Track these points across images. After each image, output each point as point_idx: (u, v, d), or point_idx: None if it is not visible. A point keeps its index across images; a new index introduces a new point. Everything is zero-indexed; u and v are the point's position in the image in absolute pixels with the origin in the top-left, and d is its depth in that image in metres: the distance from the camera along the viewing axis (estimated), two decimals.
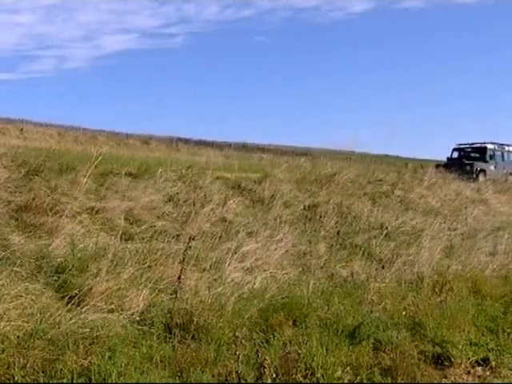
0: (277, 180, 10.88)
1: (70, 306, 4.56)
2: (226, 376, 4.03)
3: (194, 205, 8.20)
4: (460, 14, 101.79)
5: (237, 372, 3.93)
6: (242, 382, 3.91)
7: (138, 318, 4.75)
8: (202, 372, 4.01)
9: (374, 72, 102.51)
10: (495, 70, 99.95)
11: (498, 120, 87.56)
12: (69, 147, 15.01)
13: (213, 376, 4.03)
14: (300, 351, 4.40)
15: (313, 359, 4.28)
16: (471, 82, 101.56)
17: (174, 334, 4.51)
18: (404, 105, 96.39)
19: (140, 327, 4.61)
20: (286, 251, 7.19)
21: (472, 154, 23.25)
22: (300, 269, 6.94)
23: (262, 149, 38.12)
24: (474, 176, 20.66)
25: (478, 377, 4.83)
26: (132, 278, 5.23)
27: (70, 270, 5.14)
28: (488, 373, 4.89)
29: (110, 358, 3.85)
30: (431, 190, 14.61)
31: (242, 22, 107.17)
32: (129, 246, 6.15)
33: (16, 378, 3.61)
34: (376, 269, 6.86)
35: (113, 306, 4.79)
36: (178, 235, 7.15)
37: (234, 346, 4.07)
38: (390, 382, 4.36)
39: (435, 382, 4.63)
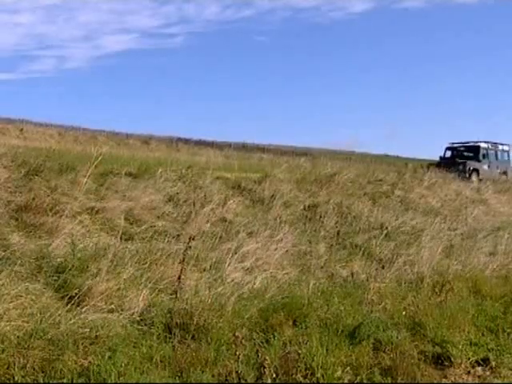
0: (277, 180, 10.88)
1: (69, 306, 4.56)
2: (226, 376, 4.03)
3: (194, 205, 8.20)
4: (460, 13, 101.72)
5: (237, 372, 3.93)
6: (242, 381, 3.91)
7: (138, 318, 4.75)
8: (202, 372, 4.01)
9: (373, 72, 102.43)
10: (495, 70, 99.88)
11: (497, 120, 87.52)
12: (69, 147, 15.01)
13: (213, 376, 4.03)
14: (300, 351, 4.40)
15: (313, 359, 4.28)
16: (471, 82, 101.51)
17: (174, 334, 4.51)
18: (404, 105, 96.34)
19: (140, 327, 4.61)
20: (286, 251, 7.19)
21: (465, 153, 22.93)
22: (300, 269, 6.94)
23: (262, 149, 38.10)
24: (467, 175, 20.41)
25: (478, 377, 4.83)
26: (132, 278, 5.23)
27: (70, 270, 5.14)
28: (488, 373, 4.89)
29: (109, 358, 3.85)
30: (431, 190, 14.62)
31: (242, 22, 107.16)
32: (129, 246, 6.16)
33: (16, 378, 3.61)
34: (376, 269, 6.87)
35: (113, 306, 4.79)
36: (178, 235, 7.15)
37: (234, 346, 4.06)
38: (390, 382, 4.36)
39: (435, 382, 4.63)
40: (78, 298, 4.69)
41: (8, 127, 30.81)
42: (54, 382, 3.66)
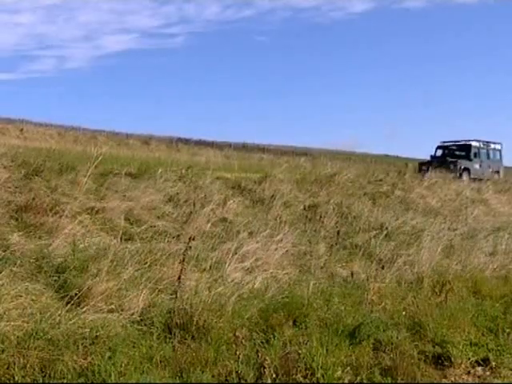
0: (277, 180, 10.88)
1: (69, 306, 4.56)
2: (226, 376, 4.03)
3: (194, 205, 8.20)
4: (460, 13, 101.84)
5: (237, 372, 3.93)
6: (242, 382, 3.91)
7: (138, 318, 4.75)
8: (202, 372, 4.01)
9: (373, 72, 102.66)
10: (495, 70, 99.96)
11: (498, 120, 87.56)
12: (69, 147, 15.00)
13: (213, 376, 4.03)
14: (300, 351, 4.40)
15: (313, 359, 4.28)
16: (471, 82, 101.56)
17: (174, 334, 4.51)
18: (404, 105, 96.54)
19: (140, 327, 4.61)
20: (286, 251, 7.19)
21: (456, 152, 22.49)
22: (300, 269, 6.95)
23: (262, 149, 38.12)
24: (458, 175, 19.99)
25: (478, 377, 4.84)
26: (132, 278, 5.23)
27: (70, 270, 5.14)
28: (488, 373, 4.89)
29: (109, 358, 3.85)
30: (431, 190, 14.62)
31: (243, 22, 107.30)
32: (129, 246, 6.15)
33: (16, 378, 3.61)
34: (376, 269, 6.86)
35: (113, 306, 4.79)
36: (178, 235, 7.15)
37: (234, 346, 4.07)
38: (390, 382, 4.36)
39: (435, 382, 4.64)
40: (78, 298, 4.69)
41: (8, 127, 30.80)
42: (54, 382, 3.66)
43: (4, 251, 5.37)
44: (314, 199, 10.60)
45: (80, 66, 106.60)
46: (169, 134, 39.52)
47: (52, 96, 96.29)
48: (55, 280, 5.05)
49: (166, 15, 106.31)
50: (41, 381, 3.65)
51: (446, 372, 4.83)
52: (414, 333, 5.34)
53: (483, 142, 23.02)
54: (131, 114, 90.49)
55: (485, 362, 5.03)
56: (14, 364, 3.68)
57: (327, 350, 4.47)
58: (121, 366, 3.80)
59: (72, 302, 4.62)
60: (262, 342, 4.62)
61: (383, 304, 5.91)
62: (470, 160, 21.93)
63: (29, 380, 3.63)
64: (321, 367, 4.22)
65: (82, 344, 4.04)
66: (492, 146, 23.47)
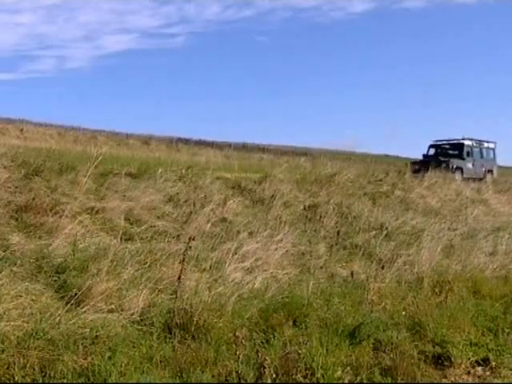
0: (277, 180, 10.88)
1: (69, 306, 4.56)
2: (226, 376, 4.03)
3: (194, 205, 8.20)
4: (460, 13, 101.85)
5: (237, 372, 3.93)
6: (242, 382, 3.91)
7: (138, 318, 4.75)
8: (202, 372, 4.01)
9: (373, 72, 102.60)
10: (495, 70, 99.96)
11: (497, 120, 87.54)
12: (69, 147, 14.99)
13: (213, 376, 4.03)
14: (300, 351, 4.40)
15: (313, 359, 4.28)
16: (471, 82, 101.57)
17: (174, 334, 4.51)
18: (404, 105, 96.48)
19: (140, 327, 4.61)
20: (286, 251, 7.19)
21: (449, 151, 21.96)
22: (300, 269, 6.94)
23: (262, 149, 38.13)
24: (450, 174, 19.25)
25: (478, 377, 4.84)
26: (132, 278, 5.23)
27: (70, 270, 5.14)
28: (488, 373, 4.89)
29: (110, 358, 3.85)
30: (431, 190, 14.62)
31: (243, 22, 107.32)
32: (129, 246, 6.15)
33: (16, 378, 3.61)
34: (376, 269, 6.85)
35: (113, 306, 4.79)
36: (178, 235, 7.15)
37: (234, 346, 4.07)
38: (390, 382, 4.36)
39: (435, 382, 4.64)
40: (78, 298, 4.69)
41: (8, 127, 30.80)
42: (54, 382, 3.66)
43: (4, 251, 5.37)
44: (313, 199, 10.60)
45: (80, 66, 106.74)
46: (169, 133, 39.57)
47: (52, 96, 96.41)
48: (55, 280, 5.05)
49: (166, 15, 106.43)
50: (41, 381, 3.65)
51: (446, 372, 4.83)
52: (414, 333, 5.34)
53: (476, 140, 22.54)
54: (131, 114, 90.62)
55: (485, 361, 5.03)
56: (14, 364, 3.68)
57: (327, 349, 4.47)
58: (121, 365, 3.81)
59: (72, 302, 4.62)
60: (262, 342, 4.62)
61: (383, 304, 5.91)
62: (463, 159, 21.50)
63: (29, 380, 3.63)
64: (321, 367, 4.22)
65: (82, 344, 4.04)
66: (485, 144, 22.98)
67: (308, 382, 4.14)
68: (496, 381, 4.76)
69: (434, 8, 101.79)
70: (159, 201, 8.22)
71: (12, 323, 4.12)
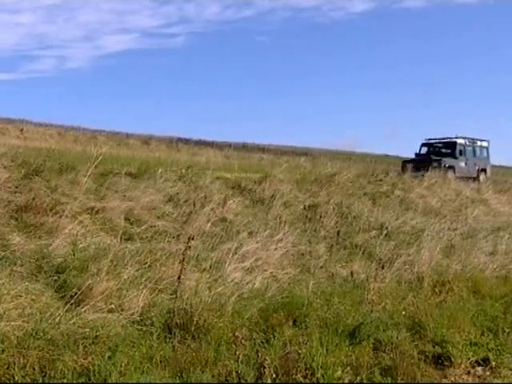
0: (277, 180, 10.88)
1: (69, 305, 4.56)
2: (226, 376, 4.03)
3: (194, 205, 8.20)
4: (460, 13, 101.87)
5: (237, 372, 3.93)
6: (242, 381, 3.91)
7: (138, 318, 4.75)
8: (202, 372, 4.01)
9: (373, 72, 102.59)
10: (495, 70, 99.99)
11: (497, 120, 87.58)
12: (69, 147, 15.01)
13: (213, 376, 4.03)
14: (300, 351, 4.40)
15: (313, 359, 4.28)
16: (471, 82, 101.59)
17: (174, 333, 4.51)
18: (404, 105, 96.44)
19: (140, 327, 4.61)
20: (286, 251, 7.19)
21: (441, 150, 21.54)
22: (300, 269, 6.94)
23: (262, 149, 38.15)
24: (442, 173, 18.65)
25: (478, 377, 4.84)
26: (132, 278, 5.23)
27: (70, 270, 5.14)
28: (488, 373, 4.89)
29: (109, 358, 3.85)
30: (431, 190, 14.61)
31: (243, 22, 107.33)
32: (129, 246, 6.15)
33: (16, 378, 3.61)
34: (376, 269, 6.85)
35: (113, 306, 4.79)
36: (178, 235, 7.15)
37: (234, 345, 4.07)
38: (390, 381, 4.36)
39: (435, 382, 4.64)
40: (78, 298, 4.69)
41: (8, 127, 30.82)
42: (54, 382, 3.66)
43: (4, 251, 5.38)
44: (313, 199, 10.60)
45: (80, 66, 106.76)
46: (169, 133, 39.61)
47: (52, 96, 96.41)
48: (55, 280, 5.05)
49: (166, 15, 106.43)
50: (41, 381, 3.65)
51: (446, 372, 4.83)
52: (413, 333, 5.34)
53: (469, 139, 22.06)
54: (131, 114, 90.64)
55: (485, 361, 5.03)
56: (14, 364, 3.68)
57: (327, 349, 4.47)
58: (121, 365, 3.80)
59: (72, 301, 4.62)
60: (261, 342, 4.62)
61: (383, 304, 5.91)
62: (456, 158, 21.01)
63: (29, 380, 3.63)
64: (321, 367, 4.22)
65: (82, 344, 4.04)
66: (478, 143, 22.46)
67: (308, 381, 4.14)
68: (496, 381, 4.76)
69: (434, 8, 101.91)
70: (159, 201, 8.22)
71: (12, 323, 4.12)
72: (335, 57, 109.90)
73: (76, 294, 4.71)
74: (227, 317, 4.83)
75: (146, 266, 5.68)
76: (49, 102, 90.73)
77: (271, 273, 6.45)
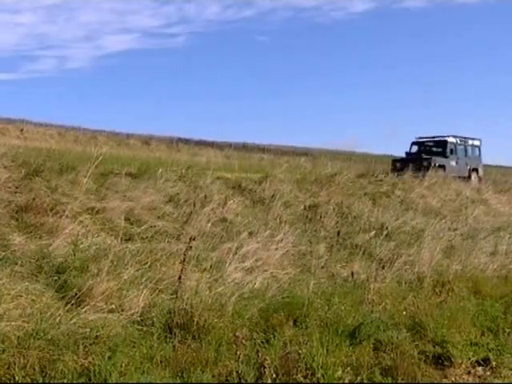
0: (277, 180, 10.88)
1: (70, 306, 4.56)
2: (226, 376, 4.04)
3: (194, 205, 8.20)
4: (461, 13, 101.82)
5: (237, 372, 3.93)
6: (243, 382, 3.91)
7: (138, 318, 4.75)
8: (203, 372, 4.01)
9: (373, 72, 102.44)
10: (495, 70, 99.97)
11: (497, 120, 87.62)
12: (69, 147, 15.03)
13: (213, 376, 4.03)
14: (300, 351, 4.40)
15: (313, 359, 4.28)
16: (471, 82, 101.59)
17: (175, 334, 4.51)
18: (404, 105, 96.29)
19: (140, 327, 4.61)
20: (287, 251, 7.19)
21: (432, 149, 21.04)
22: (300, 269, 6.94)
23: (262, 149, 38.17)
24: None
25: (479, 377, 4.84)
26: (132, 279, 5.23)
27: (70, 270, 5.14)
28: (488, 373, 4.89)
29: (110, 358, 3.85)
30: (431, 190, 14.61)
31: (243, 22, 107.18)
32: (129, 246, 6.16)
33: (16, 378, 3.61)
34: (376, 269, 6.86)
35: (113, 306, 4.79)
36: (178, 235, 7.15)
37: (234, 346, 4.07)
38: (390, 382, 4.36)
39: (435, 382, 4.64)
40: (79, 298, 4.70)
41: (8, 127, 30.84)
42: (55, 382, 3.66)
43: (4, 251, 5.38)
44: (314, 199, 10.60)
45: (81, 66, 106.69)
46: (169, 134, 39.58)
47: (52, 96, 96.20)
48: (55, 280, 5.05)
49: (166, 15, 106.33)
50: (41, 381, 3.65)
51: (446, 372, 4.83)
52: (414, 333, 5.34)
53: (461, 137, 21.64)
54: (131, 114, 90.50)
55: (485, 361, 5.03)
56: (15, 364, 3.68)
57: (327, 349, 4.47)
58: (121, 365, 3.81)
59: (72, 301, 4.62)
60: (262, 342, 4.62)
61: (383, 304, 5.91)
62: (446, 157, 20.56)
63: (29, 380, 3.63)
64: (321, 367, 4.22)
65: (83, 344, 4.04)
66: (470, 142, 22.01)
67: (308, 381, 4.14)
68: (496, 381, 4.76)
69: (434, 8, 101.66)
70: (159, 201, 8.22)
71: (12, 323, 4.12)
72: (335, 57, 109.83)
73: (76, 294, 4.72)
74: (227, 317, 4.83)
75: (147, 266, 5.68)
76: (49, 102, 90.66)
77: (271, 273, 6.45)
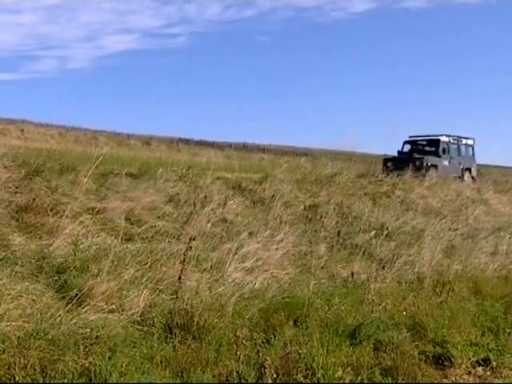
0: (277, 180, 10.88)
1: (70, 306, 4.56)
2: (226, 376, 4.04)
3: (194, 205, 8.20)
4: (461, 13, 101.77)
5: (237, 372, 3.93)
6: (243, 382, 3.91)
7: (138, 319, 4.75)
8: (203, 372, 4.01)
9: (373, 72, 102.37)
10: (495, 70, 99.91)
11: (497, 120, 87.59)
12: (69, 147, 15.03)
13: (213, 376, 4.03)
14: (301, 351, 4.40)
15: (313, 359, 4.28)
16: (471, 82, 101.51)
17: (175, 334, 4.51)
18: (404, 105, 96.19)
19: (140, 327, 4.61)
20: (287, 251, 7.19)
21: (425, 148, 20.71)
22: (300, 269, 6.94)
23: (262, 149, 38.15)
24: (424, 172, 18.03)
25: (479, 377, 4.84)
26: (133, 279, 5.24)
27: (70, 270, 5.14)
28: (489, 373, 4.89)
29: (110, 358, 3.85)
30: (431, 190, 14.61)
31: (244, 22, 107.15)
32: (129, 247, 6.16)
33: (17, 379, 3.61)
34: (376, 269, 6.86)
35: (113, 306, 4.80)
36: (178, 235, 7.15)
37: (234, 346, 4.07)
38: (390, 382, 4.36)
39: (436, 382, 4.64)
40: (79, 298, 4.70)
41: (9, 128, 30.87)
42: (55, 382, 3.66)
43: (5, 251, 5.38)
44: (314, 199, 10.60)
45: (82, 66, 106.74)
46: (169, 134, 39.64)
47: (53, 96, 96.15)
48: (56, 280, 5.05)
49: (167, 15, 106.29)
50: (41, 381, 3.66)
51: (446, 372, 4.83)
52: (414, 333, 5.34)
53: (454, 137, 21.29)
54: (132, 114, 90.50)
55: (485, 362, 5.03)
56: (15, 364, 3.68)
57: (328, 350, 4.47)
58: (121, 366, 3.81)
59: (73, 302, 4.62)
60: (262, 342, 4.62)
61: (384, 304, 5.91)
62: (439, 156, 20.07)
63: (29, 380, 3.63)
64: (321, 367, 4.22)
65: (83, 344, 4.04)
66: (464, 141, 21.64)
67: (309, 382, 4.15)
68: (497, 381, 4.76)
69: (435, 8, 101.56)
70: (160, 201, 8.22)
71: (13, 323, 4.12)
72: (336, 57, 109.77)
73: (77, 294, 4.72)
74: (228, 317, 4.84)
75: (147, 266, 5.68)
76: (50, 102, 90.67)
77: (272, 273, 6.45)
